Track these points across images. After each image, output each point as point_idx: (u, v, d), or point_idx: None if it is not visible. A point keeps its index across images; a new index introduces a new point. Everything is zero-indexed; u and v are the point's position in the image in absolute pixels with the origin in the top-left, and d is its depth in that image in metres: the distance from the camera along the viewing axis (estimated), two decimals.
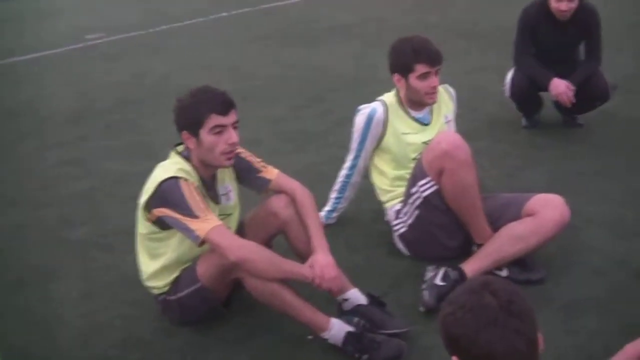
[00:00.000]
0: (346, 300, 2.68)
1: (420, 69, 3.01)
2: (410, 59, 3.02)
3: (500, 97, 4.68)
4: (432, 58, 3.02)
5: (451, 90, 3.33)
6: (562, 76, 4.22)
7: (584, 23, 4.23)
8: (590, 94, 4.28)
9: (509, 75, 4.48)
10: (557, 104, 4.43)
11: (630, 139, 4.42)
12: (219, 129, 2.54)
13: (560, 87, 4.18)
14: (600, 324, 2.67)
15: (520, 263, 2.92)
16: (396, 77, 3.11)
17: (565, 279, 2.96)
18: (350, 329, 2.54)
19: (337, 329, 2.54)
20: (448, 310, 1.44)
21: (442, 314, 1.47)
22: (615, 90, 4.38)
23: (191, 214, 2.45)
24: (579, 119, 4.62)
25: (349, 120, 3.30)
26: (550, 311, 2.73)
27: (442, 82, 3.19)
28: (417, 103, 3.14)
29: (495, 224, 2.95)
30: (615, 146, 4.33)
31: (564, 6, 4.10)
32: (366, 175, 3.37)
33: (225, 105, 2.55)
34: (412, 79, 3.04)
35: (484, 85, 5.40)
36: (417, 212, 3.02)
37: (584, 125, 4.61)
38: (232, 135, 2.57)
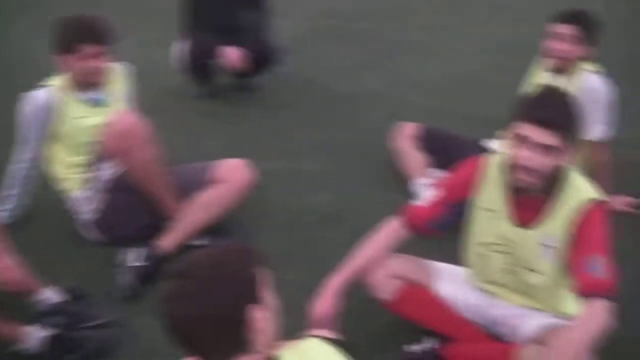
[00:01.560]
0: (40, 301, 2.52)
1: (86, 49, 2.88)
2: (75, 39, 2.88)
3: (171, 69, 4.67)
4: (97, 38, 2.90)
5: (123, 67, 3.25)
6: (232, 43, 4.35)
7: None
8: (261, 58, 4.47)
9: (178, 46, 4.51)
10: (231, 70, 4.59)
11: (302, 97, 4.75)
12: None
13: (231, 54, 4.33)
14: (293, 275, 2.88)
15: (218, 229, 3.01)
16: (61, 57, 2.93)
17: (257, 237, 3.11)
18: (45, 333, 2.39)
19: (33, 336, 2.37)
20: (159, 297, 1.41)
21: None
22: (284, 53, 4.66)
23: None
24: (253, 83, 4.82)
25: None
26: None
27: (114, 59, 3.09)
28: (85, 84, 3.00)
29: (183, 196, 2.98)
30: (290, 105, 4.62)
31: None
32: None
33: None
34: (77, 59, 2.89)
35: (154, 59, 5.33)
36: (104, 196, 2.94)
37: (258, 88, 4.82)
38: None
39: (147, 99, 4.52)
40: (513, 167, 2.12)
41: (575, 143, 2.11)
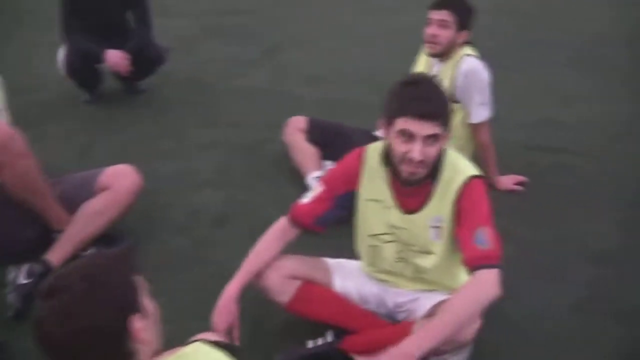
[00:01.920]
0: None
1: None
2: None
3: (57, 76, 4.51)
4: None
5: None
6: (115, 46, 4.23)
7: None
8: (146, 59, 4.40)
9: (61, 53, 4.35)
10: (116, 74, 4.47)
11: (192, 97, 4.69)
12: None
13: (115, 58, 4.20)
14: (187, 277, 2.83)
15: (105, 238, 2.91)
16: None
17: (152, 241, 3.06)
18: None
19: None
20: None
21: None
22: (168, 52, 4.57)
23: None
24: (141, 85, 4.72)
25: None
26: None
27: None
28: None
29: (73, 206, 2.87)
30: (179, 105, 4.55)
31: None
32: None
33: None
34: None
35: (37, 66, 5.12)
36: None
37: (146, 90, 4.73)
38: None
39: (37, 105, 4.40)
40: (401, 161, 2.13)
41: (450, 125, 2.17)
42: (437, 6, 3.26)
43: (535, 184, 3.64)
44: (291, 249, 2.44)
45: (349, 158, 2.36)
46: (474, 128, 3.39)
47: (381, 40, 5.93)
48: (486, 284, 2.07)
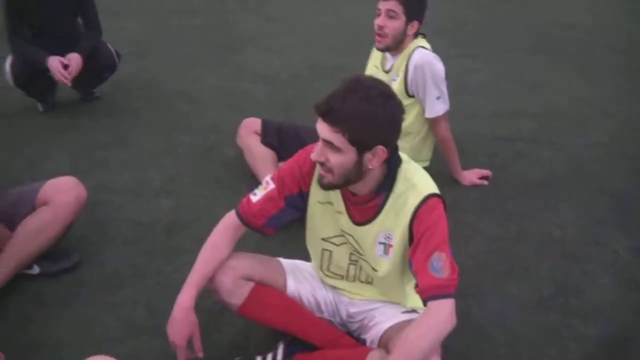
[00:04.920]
0: None
1: None
2: None
3: (6, 84, 4.33)
4: None
5: None
6: (66, 52, 4.08)
7: None
8: (98, 65, 4.25)
9: (7, 62, 4.18)
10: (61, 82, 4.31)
11: (143, 102, 4.56)
12: None
13: (55, 63, 3.99)
14: (139, 289, 2.71)
15: (49, 255, 2.77)
16: None
17: (102, 255, 2.92)
18: None
19: None
20: None
21: None
22: (120, 57, 4.42)
23: None
24: (96, 92, 4.58)
25: None
26: (92, 286, 2.71)
27: None
28: None
29: (13, 223, 2.72)
30: (131, 111, 4.41)
31: None
32: None
33: None
34: None
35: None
36: None
37: (101, 97, 4.58)
38: None
39: None
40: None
41: (386, 138, 1.95)
42: None
43: (499, 175, 3.56)
44: (240, 246, 2.30)
45: (300, 156, 2.20)
46: (432, 122, 3.29)
47: (337, 34, 5.84)
48: (442, 316, 1.92)
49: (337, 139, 1.90)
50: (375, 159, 1.95)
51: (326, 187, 2.04)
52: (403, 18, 3.11)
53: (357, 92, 1.88)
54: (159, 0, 7.10)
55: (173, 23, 6.34)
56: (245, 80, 4.94)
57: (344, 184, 2.01)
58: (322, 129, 1.92)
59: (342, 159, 1.93)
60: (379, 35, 3.17)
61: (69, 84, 4.06)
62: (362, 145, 1.92)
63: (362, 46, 3.79)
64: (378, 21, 3.15)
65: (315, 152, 1.97)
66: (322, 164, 1.97)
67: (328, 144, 1.92)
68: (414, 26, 3.16)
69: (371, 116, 1.88)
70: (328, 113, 1.89)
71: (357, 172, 1.97)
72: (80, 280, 2.77)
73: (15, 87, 4.22)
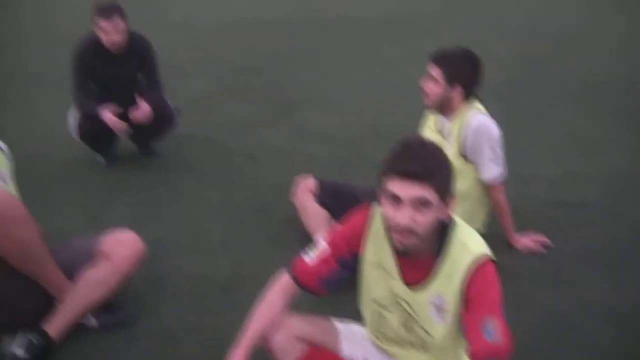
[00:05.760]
0: None
1: None
2: None
3: (70, 139, 4.50)
4: None
5: None
6: (129, 107, 4.24)
7: (138, 53, 4.33)
8: (158, 121, 4.39)
9: (72, 117, 4.36)
10: (131, 136, 4.47)
11: (202, 158, 4.67)
12: None
13: (107, 115, 4.17)
14: (195, 346, 2.73)
15: (107, 307, 2.83)
16: None
17: (158, 310, 2.96)
18: None
19: None
20: None
21: None
22: (180, 113, 4.56)
23: None
24: (155, 148, 4.71)
25: None
26: (148, 340, 2.74)
27: None
28: None
29: (72, 272, 2.79)
30: (190, 167, 4.53)
31: (115, 37, 4.14)
32: None
33: None
34: None
35: (52, 127, 5.14)
36: None
37: (160, 153, 4.71)
38: None
39: (49, 168, 4.38)
40: (391, 228, 1.99)
41: (453, 194, 1.99)
42: (430, 60, 3.25)
43: (556, 242, 3.49)
44: (293, 306, 2.31)
45: (354, 218, 2.22)
46: (488, 186, 3.28)
47: (395, 95, 5.89)
48: None
49: (429, 194, 1.91)
50: (449, 205, 1.99)
51: (406, 252, 2.01)
52: (443, 84, 3.18)
53: (426, 146, 1.99)
54: (222, 58, 7.31)
55: (233, 80, 6.50)
56: (304, 139, 5.02)
57: (422, 246, 2.00)
58: (409, 188, 1.91)
59: (430, 215, 1.93)
60: (425, 95, 3.27)
61: (125, 131, 4.21)
62: (445, 194, 1.96)
63: (419, 106, 3.83)
64: (422, 83, 3.26)
65: (405, 217, 1.92)
66: (410, 230, 1.95)
67: (420, 204, 1.92)
68: (457, 90, 3.20)
69: (445, 164, 1.97)
70: (417, 172, 1.90)
71: (433, 228, 1.97)
72: (134, 335, 2.80)
73: (80, 141, 4.38)
